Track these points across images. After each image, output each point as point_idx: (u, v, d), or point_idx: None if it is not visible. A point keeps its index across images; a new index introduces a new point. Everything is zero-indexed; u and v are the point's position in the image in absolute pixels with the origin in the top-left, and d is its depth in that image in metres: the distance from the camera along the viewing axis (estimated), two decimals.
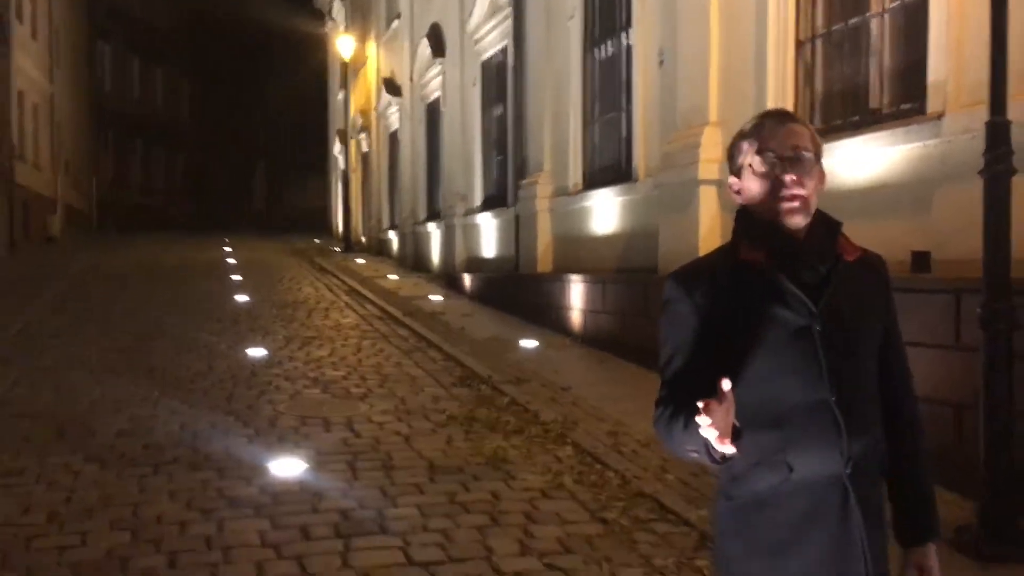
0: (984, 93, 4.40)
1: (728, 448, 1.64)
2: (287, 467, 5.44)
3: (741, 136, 1.96)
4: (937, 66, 5.54)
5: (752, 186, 1.91)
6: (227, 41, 41.39)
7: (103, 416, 6.71)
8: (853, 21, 6.53)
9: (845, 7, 6.64)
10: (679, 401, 1.81)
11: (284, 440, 6.11)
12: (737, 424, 1.68)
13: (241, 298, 13.52)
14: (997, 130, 4.23)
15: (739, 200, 1.96)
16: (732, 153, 1.97)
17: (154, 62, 39.34)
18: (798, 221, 1.87)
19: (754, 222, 1.92)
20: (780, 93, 7.16)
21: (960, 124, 5.26)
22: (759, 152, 1.89)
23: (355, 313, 12.54)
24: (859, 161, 6.13)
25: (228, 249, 23.42)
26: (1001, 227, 4.22)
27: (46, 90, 26.48)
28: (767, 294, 1.86)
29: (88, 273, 17.10)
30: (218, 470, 5.46)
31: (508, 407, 7.18)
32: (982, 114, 4.38)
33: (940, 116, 5.46)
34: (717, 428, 1.61)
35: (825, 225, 1.92)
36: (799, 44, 7.07)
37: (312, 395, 7.55)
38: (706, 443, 1.68)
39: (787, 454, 1.82)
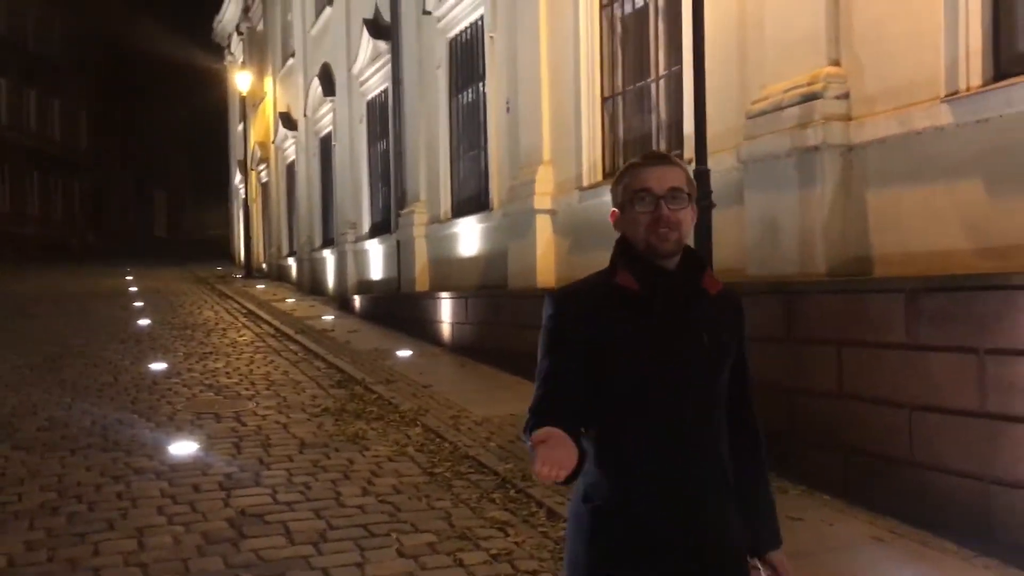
0: (718, 144, 6.08)
1: (552, 479, 1.74)
2: (183, 447, 6.74)
3: (621, 175, 2.13)
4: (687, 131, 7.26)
5: (630, 220, 2.07)
6: (125, 73, 41.86)
7: (23, 417, 7.87)
8: (639, 83, 8.23)
9: (634, 72, 8.35)
10: (539, 412, 1.96)
11: (181, 429, 7.39)
12: (576, 462, 1.79)
13: (143, 321, 14.57)
14: (701, 176, 5.90)
15: (618, 231, 2.14)
16: (615, 188, 2.13)
17: (51, 94, 39.52)
18: (669, 252, 2.05)
19: (630, 252, 2.08)
20: (592, 139, 8.84)
21: (714, 166, 6.95)
22: (639, 190, 2.05)
23: (251, 332, 13.75)
24: None
25: (130, 278, 24.14)
26: (707, 245, 5.88)
27: None
28: (637, 318, 2.02)
29: None
30: (126, 451, 6.73)
31: (375, 401, 8.60)
32: (725, 161, 6.07)
33: (691, 162, 7.15)
34: (545, 460, 1.72)
35: (693, 260, 2.11)
36: (604, 100, 8.77)
37: (206, 397, 8.82)
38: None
39: (641, 465, 1.99)
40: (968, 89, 4.92)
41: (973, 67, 4.92)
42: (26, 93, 37.97)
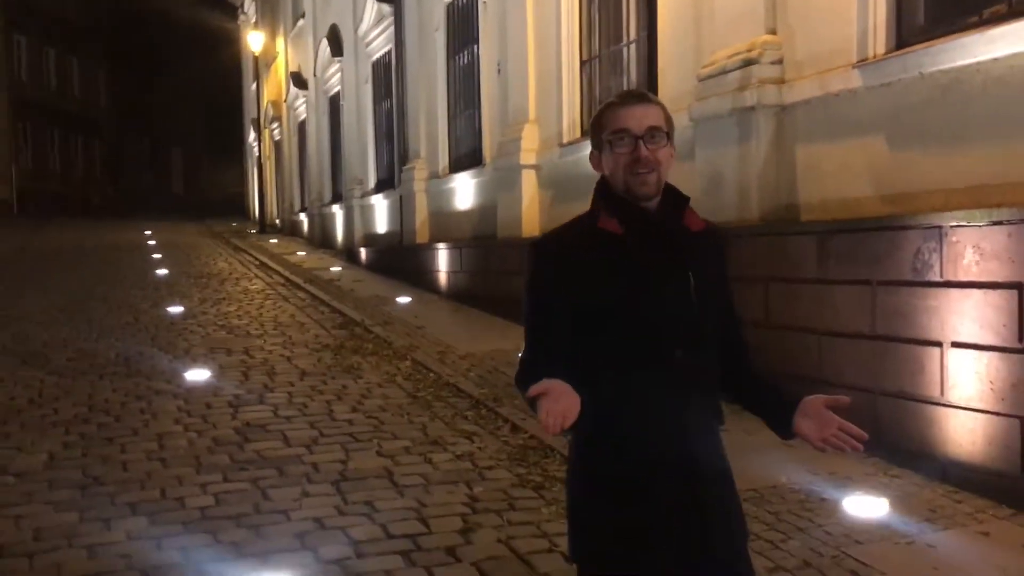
0: (678, 104, 6.78)
1: (558, 430, 1.77)
2: (197, 375, 7.59)
3: (601, 114, 2.10)
4: (661, 85, 7.96)
5: (609, 161, 2.05)
6: (142, 31, 42.51)
7: (54, 349, 8.76)
8: (614, 47, 8.92)
9: (609, 36, 9.03)
10: (532, 362, 2.00)
11: (196, 360, 8.24)
12: (578, 410, 1.81)
13: (161, 271, 15.45)
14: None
15: (599, 172, 2.12)
16: (594, 129, 2.10)
17: (70, 53, 40.27)
18: (649, 194, 2.03)
19: (611, 194, 2.06)
20: (572, 99, 9.55)
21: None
22: (616, 131, 2.03)
23: (262, 281, 14.60)
24: None
25: (148, 232, 25.00)
26: None
27: None
28: (621, 260, 2.01)
29: (16, 254, 18.70)
30: (147, 377, 7.61)
31: (372, 340, 9.43)
32: (681, 121, 6.77)
33: None
34: (550, 411, 1.75)
35: (674, 198, 2.10)
36: (583, 63, 9.46)
37: (219, 335, 9.68)
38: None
39: (634, 405, 2.00)
40: (875, 56, 5.62)
41: (879, 37, 5.62)
42: (45, 52, 38.72)
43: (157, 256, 18.14)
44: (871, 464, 5.15)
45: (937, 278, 4.78)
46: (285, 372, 7.89)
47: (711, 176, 6.88)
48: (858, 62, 5.72)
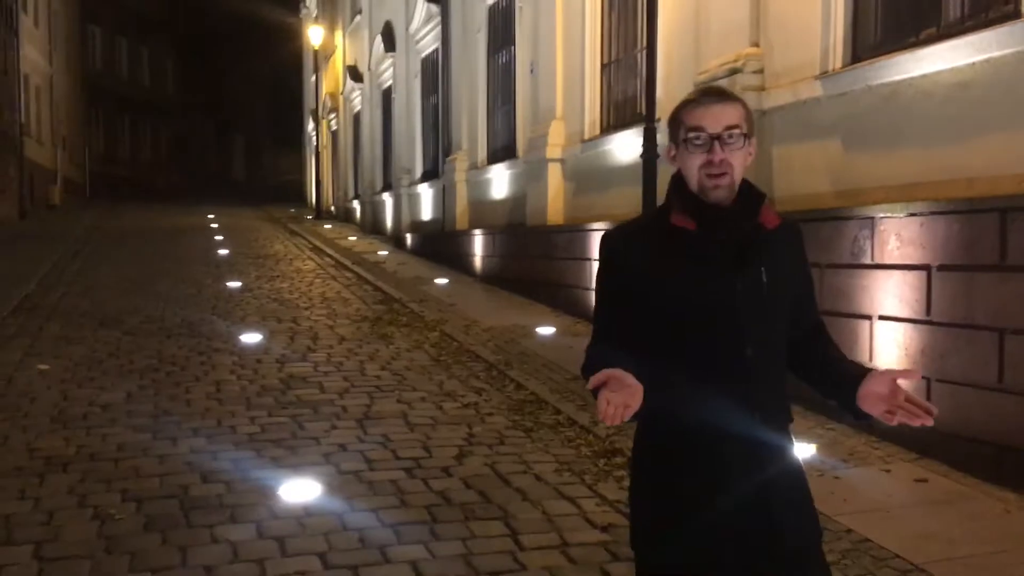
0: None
1: (616, 421, 1.76)
2: (250, 337, 8.70)
3: (679, 110, 2.06)
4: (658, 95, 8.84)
5: (685, 159, 2.03)
6: (209, 23, 44.25)
7: (128, 315, 9.96)
8: (629, 53, 9.81)
9: (624, 42, 9.92)
10: (597, 352, 2.01)
11: (250, 327, 9.35)
12: (639, 400, 1.81)
13: (222, 251, 16.72)
14: (649, 133, 7.54)
15: (674, 167, 2.10)
16: (672, 125, 2.08)
17: (141, 42, 42.17)
18: (722, 196, 2.00)
19: (684, 191, 2.04)
20: (593, 99, 10.46)
21: None
22: (693, 129, 2.00)
23: (314, 262, 15.76)
24: (628, 146, 9.39)
25: (211, 216, 26.45)
26: (651, 194, 7.53)
27: (46, 72, 29.42)
28: (694, 257, 2.00)
29: (91, 233, 20.17)
30: (207, 338, 8.75)
31: (407, 314, 10.48)
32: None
33: (658, 120, 8.74)
34: (610, 400, 1.76)
35: (750, 195, 2.05)
36: (603, 66, 10.37)
37: (271, 307, 10.81)
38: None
39: (704, 401, 1.97)
40: (833, 69, 6.46)
41: (838, 53, 6.45)
42: (118, 42, 40.64)
43: (219, 238, 19.46)
44: (813, 419, 6.00)
45: (869, 261, 5.62)
46: (327, 338, 8.96)
47: None
48: (820, 74, 6.56)
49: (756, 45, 7.34)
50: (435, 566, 3.86)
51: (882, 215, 5.50)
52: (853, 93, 6.24)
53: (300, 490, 4.64)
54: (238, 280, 12.82)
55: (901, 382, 1.98)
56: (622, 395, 1.78)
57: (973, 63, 5.30)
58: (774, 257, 2.05)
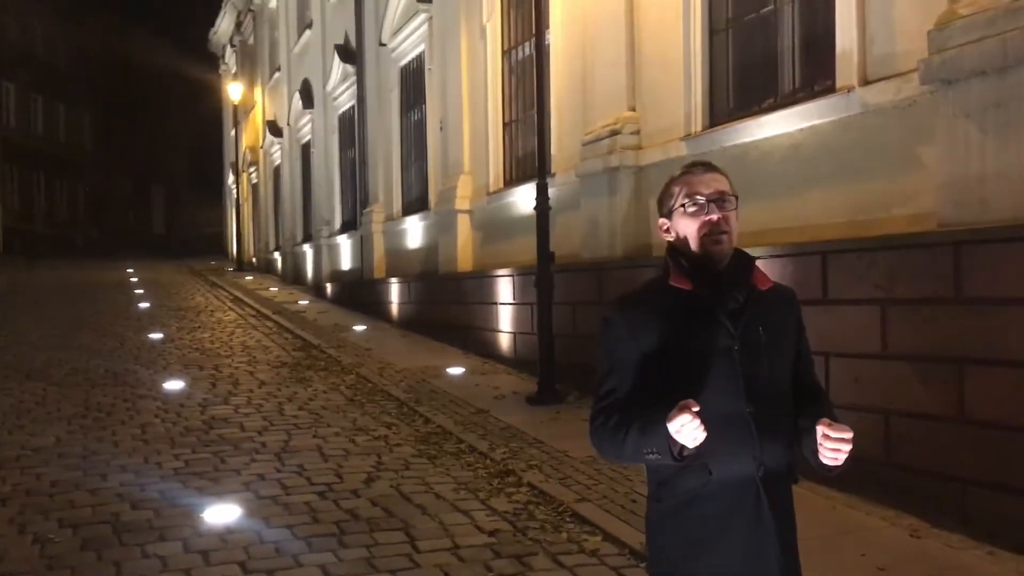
0: (568, 164, 8.51)
1: (701, 435, 1.88)
2: (173, 384, 9.17)
3: (671, 183, 2.20)
4: (553, 152, 9.69)
5: (683, 225, 2.14)
6: (128, 78, 44.25)
7: (53, 367, 10.31)
8: (528, 112, 10.68)
9: (523, 103, 10.79)
10: (623, 412, 2.08)
11: (172, 374, 9.81)
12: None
13: (143, 304, 17.01)
14: (541, 189, 8.35)
15: (668, 239, 2.21)
16: (663, 198, 2.20)
17: (57, 99, 41.93)
18: (724, 255, 2.12)
19: (685, 257, 2.15)
20: (496, 155, 11.29)
21: (562, 180, 9.38)
22: (689, 195, 2.13)
23: (235, 313, 16.17)
24: (528, 198, 10.19)
25: (131, 270, 26.49)
26: (545, 242, 8.32)
27: None
28: (694, 318, 2.10)
29: (7, 289, 20.18)
30: (131, 386, 9.18)
31: (325, 359, 11.04)
32: (571, 176, 8.54)
33: (553, 175, 9.58)
34: (694, 423, 1.87)
35: (742, 259, 2.17)
36: (504, 124, 11.22)
37: (193, 356, 11.25)
38: (668, 440, 1.93)
39: (707, 460, 2.04)
40: (695, 132, 7.37)
41: (698, 118, 7.36)
42: (33, 98, 40.38)
43: (139, 291, 19.68)
44: None
45: None
46: (247, 383, 9.48)
47: (591, 222, 8.59)
48: (684, 136, 7.46)
49: (633, 109, 8.24)
50: (342, 568, 4.47)
51: None
52: (711, 153, 7.12)
53: (222, 513, 5.20)
54: (160, 332, 13.19)
55: (820, 429, 2.04)
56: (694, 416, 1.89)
57: (802, 128, 6.23)
58: (770, 317, 2.15)
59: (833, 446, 2.00)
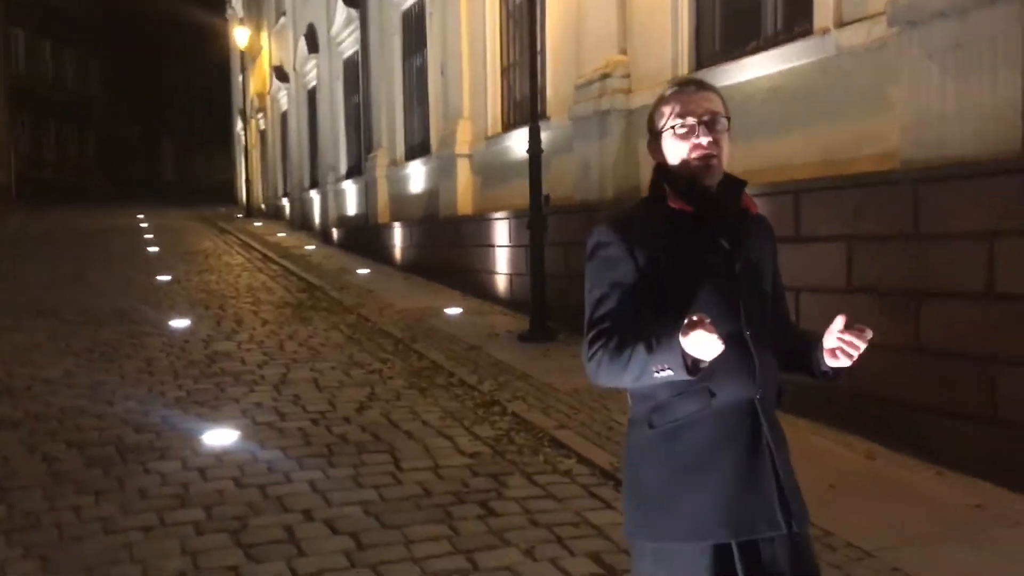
0: (562, 107, 8.66)
1: (719, 346, 1.81)
2: (179, 323, 9.48)
3: (661, 102, 2.13)
4: (553, 91, 9.82)
5: (671, 147, 2.09)
6: (135, 22, 44.18)
7: (63, 306, 10.64)
8: (525, 57, 10.78)
9: (521, 47, 10.89)
10: (623, 333, 1.99)
11: (178, 313, 10.12)
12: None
13: (153, 248, 17.34)
14: (533, 132, 8.52)
15: (656, 159, 2.16)
16: (653, 117, 2.14)
17: (65, 44, 41.93)
18: (713, 178, 2.08)
19: (675, 178, 2.09)
20: (495, 99, 11.44)
21: (556, 124, 9.54)
22: (679, 115, 2.07)
23: (242, 257, 16.47)
24: (525, 143, 10.36)
25: (141, 216, 26.78)
26: (537, 183, 8.52)
27: None
28: (695, 240, 2.06)
29: (19, 233, 20.56)
30: (137, 324, 9.51)
31: (327, 299, 11.33)
32: (565, 120, 8.70)
33: (548, 119, 9.73)
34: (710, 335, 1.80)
35: (732, 183, 2.14)
36: (503, 69, 11.34)
37: (199, 296, 11.57)
38: (682, 355, 1.85)
39: (709, 382, 2.00)
40: (683, 74, 7.51)
41: (685, 60, 7.50)
42: (41, 44, 40.39)
43: (149, 236, 20.00)
44: None
45: None
46: (251, 321, 9.79)
47: (583, 164, 8.77)
48: (672, 78, 7.61)
49: (624, 53, 8.37)
50: (328, 483, 4.79)
51: None
52: None
53: (220, 436, 5.52)
54: (168, 274, 13.50)
55: (838, 323, 2.01)
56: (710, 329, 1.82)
57: (781, 71, 6.38)
58: (758, 241, 2.15)
59: (851, 339, 1.97)
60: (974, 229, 4.60)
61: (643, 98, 8.08)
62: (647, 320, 1.99)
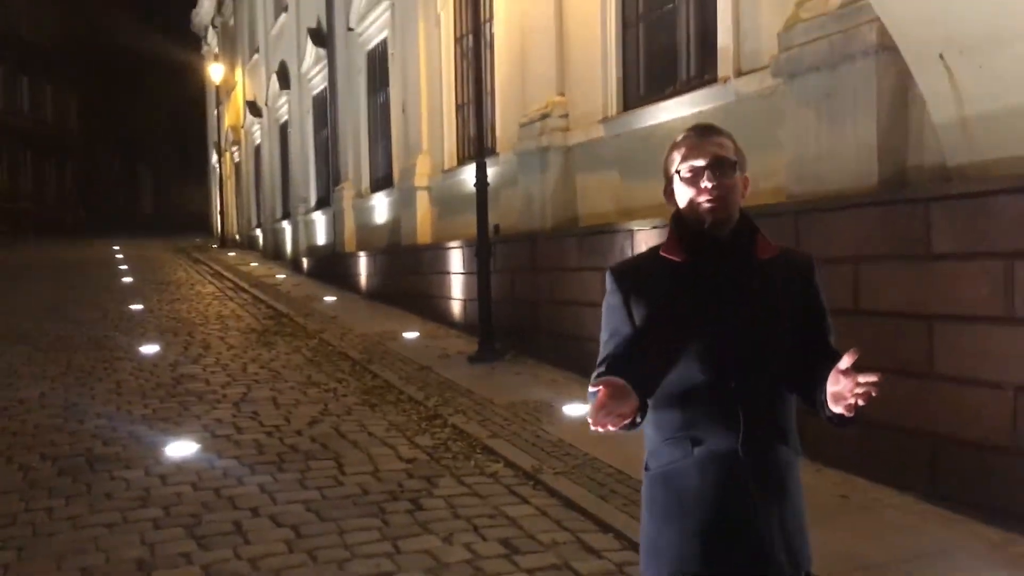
0: (509, 144, 9.34)
1: (607, 427, 1.84)
2: (148, 348, 10.02)
3: (673, 147, 2.15)
4: (502, 128, 10.51)
5: (680, 191, 2.09)
6: (113, 60, 44.79)
7: (39, 334, 11.15)
8: (473, 96, 11.48)
9: (473, 87, 11.57)
10: (602, 372, 2.05)
11: (149, 340, 10.65)
12: (638, 412, 1.92)
13: (127, 279, 17.84)
14: (480, 167, 9.19)
15: (670, 205, 2.16)
16: (666, 164, 2.16)
17: (43, 79, 42.46)
18: (717, 220, 2.05)
19: (683, 225, 2.11)
20: (450, 135, 12.12)
21: (504, 159, 10.22)
22: (684, 160, 2.08)
23: (214, 286, 17.00)
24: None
25: (116, 247, 27.26)
26: (483, 216, 9.17)
27: None
28: (682, 290, 2.07)
29: None
30: (110, 350, 10.04)
31: (292, 325, 11.90)
32: (511, 155, 9.37)
33: (496, 155, 10.40)
34: (606, 408, 1.82)
35: (744, 226, 2.10)
36: (458, 106, 12.04)
37: (170, 324, 12.10)
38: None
39: (690, 432, 2.05)
40: (611, 116, 8.21)
41: (613, 102, 8.21)
42: (20, 79, 40.93)
43: (124, 267, 20.50)
44: None
45: None
46: (217, 346, 10.34)
47: (526, 197, 9.44)
48: (602, 119, 8.31)
49: (562, 95, 9.06)
50: (276, 486, 5.36)
51: (636, 228, 7.23)
52: (624, 135, 7.98)
53: (181, 448, 6.07)
54: (140, 303, 14.03)
55: (844, 364, 1.88)
56: (613, 403, 1.84)
57: (693, 113, 7.06)
58: (768, 287, 2.07)
59: (855, 388, 1.85)
60: (842, 255, 5.27)
61: (579, 136, 8.77)
62: (638, 367, 2.02)
